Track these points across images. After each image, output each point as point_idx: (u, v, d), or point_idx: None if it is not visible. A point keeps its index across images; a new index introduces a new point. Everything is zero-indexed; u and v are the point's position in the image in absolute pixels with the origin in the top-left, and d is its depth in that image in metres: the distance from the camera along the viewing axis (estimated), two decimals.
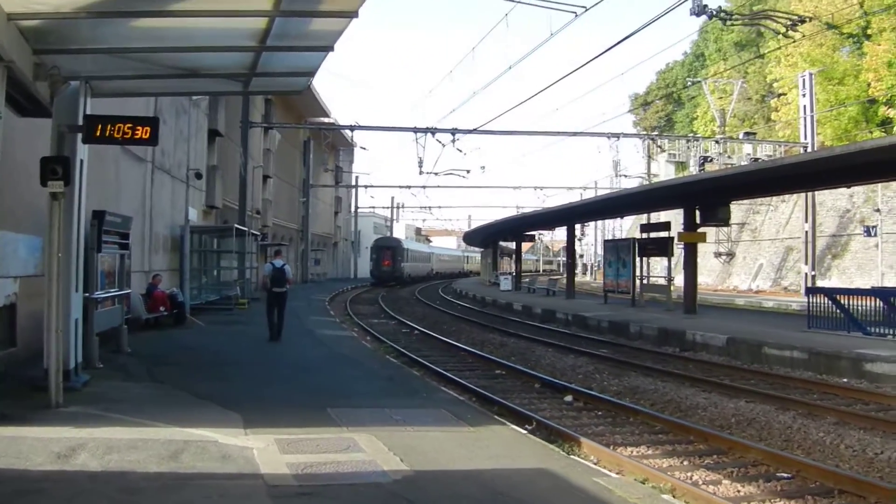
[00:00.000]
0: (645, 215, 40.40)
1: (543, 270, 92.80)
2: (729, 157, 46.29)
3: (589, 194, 71.05)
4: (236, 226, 24.96)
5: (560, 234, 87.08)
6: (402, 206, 78.09)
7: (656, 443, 9.27)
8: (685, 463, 8.36)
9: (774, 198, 49.77)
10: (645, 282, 26.89)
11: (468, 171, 37.05)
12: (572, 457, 7.86)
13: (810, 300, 17.64)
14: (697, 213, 23.22)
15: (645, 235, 27.02)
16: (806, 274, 35.19)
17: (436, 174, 37.27)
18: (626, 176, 64.24)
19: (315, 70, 9.78)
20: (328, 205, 64.25)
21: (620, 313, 24.07)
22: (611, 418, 10.82)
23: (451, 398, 10.64)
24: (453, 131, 33.53)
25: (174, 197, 22.25)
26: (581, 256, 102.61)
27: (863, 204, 43.40)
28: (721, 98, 61.57)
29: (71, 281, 9.36)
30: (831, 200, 46.28)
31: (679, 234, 23.69)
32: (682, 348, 18.15)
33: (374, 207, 77.90)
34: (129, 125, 8.41)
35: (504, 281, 45.48)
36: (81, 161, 9.49)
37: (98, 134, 8.46)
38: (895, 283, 39.58)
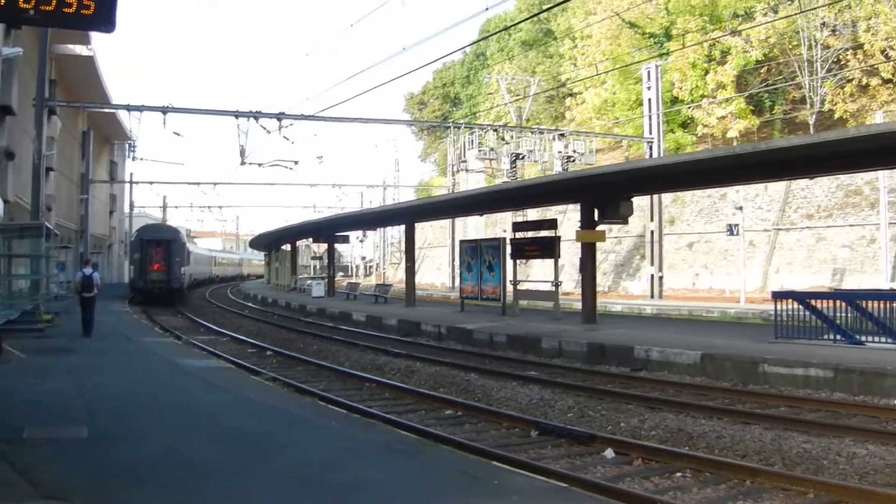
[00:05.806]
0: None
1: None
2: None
3: (378, 193, 67.37)
4: (46, 224, 18.94)
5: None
6: (168, 206, 69.28)
7: None
8: None
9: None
10: (519, 287, 23.83)
11: (296, 162, 32.11)
12: None
13: (777, 306, 15.36)
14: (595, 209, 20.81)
15: (521, 235, 23.88)
16: (653, 276, 34.57)
17: (259, 165, 31.76)
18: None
19: None
20: (103, 203, 56.12)
21: (506, 325, 20.71)
22: (733, 487, 7.49)
23: (539, 486, 6.49)
24: (280, 116, 29.04)
25: None
26: (364, 258, 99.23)
27: (671, 203, 44.10)
28: (512, 97, 60.78)
29: None
30: (635, 200, 46.21)
31: (577, 232, 20.84)
32: (633, 367, 15.15)
33: (143, 207, 68.58)
34: None
35: (317, 287, 40.94)
36: None
37: None
38: (708, 283, 40.61)
